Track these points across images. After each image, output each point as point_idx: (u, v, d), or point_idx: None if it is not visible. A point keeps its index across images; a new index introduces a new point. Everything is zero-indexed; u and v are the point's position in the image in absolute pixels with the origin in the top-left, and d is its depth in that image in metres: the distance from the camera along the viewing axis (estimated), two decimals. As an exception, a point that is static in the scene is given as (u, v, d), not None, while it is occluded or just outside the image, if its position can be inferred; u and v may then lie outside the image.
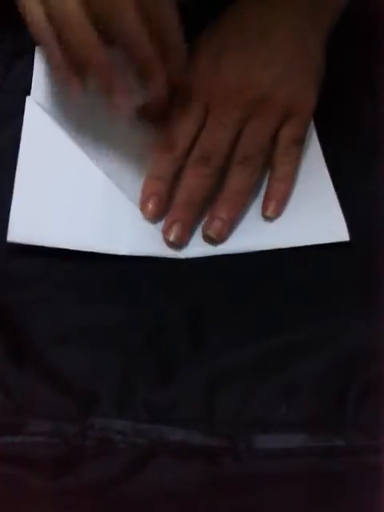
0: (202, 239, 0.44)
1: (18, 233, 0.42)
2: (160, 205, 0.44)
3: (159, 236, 0.44)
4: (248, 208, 0.46)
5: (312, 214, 0.45)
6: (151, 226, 0.44)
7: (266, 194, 0.46)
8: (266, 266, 0.44)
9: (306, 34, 0.45)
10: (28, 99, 0.47)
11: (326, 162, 0.48)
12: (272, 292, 0.43)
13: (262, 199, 0.46)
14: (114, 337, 0.41)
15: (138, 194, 0.45)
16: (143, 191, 0.44)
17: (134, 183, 0.45)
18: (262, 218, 0.45)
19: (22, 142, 0.45)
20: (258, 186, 0.46)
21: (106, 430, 0.37)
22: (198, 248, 0.44)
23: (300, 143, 0.46)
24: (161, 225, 0.44)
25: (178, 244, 0.43)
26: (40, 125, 0.45)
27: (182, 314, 0.42)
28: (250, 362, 0.40)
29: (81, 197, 0.44)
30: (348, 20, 0.47)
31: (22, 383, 0.38)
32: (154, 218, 0.44)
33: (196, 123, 0.44)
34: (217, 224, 0.43)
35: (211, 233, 0.44)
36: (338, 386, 0.39)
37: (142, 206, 0.44)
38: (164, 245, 0.44)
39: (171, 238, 0.43)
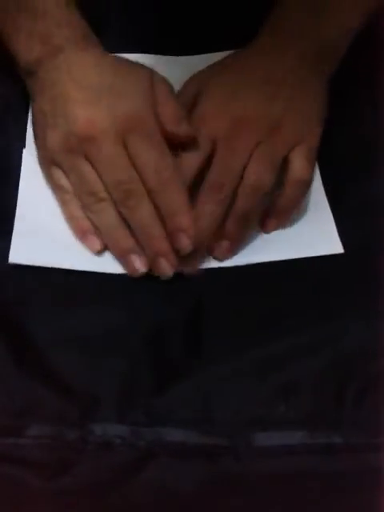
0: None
1: (19, 256, 0.43)
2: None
3: None
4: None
5: (308, 229, 0.46)
6: None
7: (269, 211, 0.46)
8: (265, 269, 0.44)
9: (305, 78, 0.47)
10: (24, 153, 0.48)
11: (327, 166, 0.48)
12: (272, 295, 0.43)
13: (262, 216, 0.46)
14: (115, 340, 0.41)
15: None
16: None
17: None
18: (260, 232, 0.46)
19: (20, 183, 0.46)
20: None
21: (106, 435, 0.38)
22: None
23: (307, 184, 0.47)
24: None
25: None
26: (37, 173, 0.47)
27: (182, 316, 0.42)
28: (249, 362, 0.40)
29: None
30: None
31: (23, 386, 0.39)
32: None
33: (201, 157, 0.45)
34: (224, 245, 0.44)
35: (217, 254, 0.44)
36: (336, 384, 0.39)
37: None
38: None
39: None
